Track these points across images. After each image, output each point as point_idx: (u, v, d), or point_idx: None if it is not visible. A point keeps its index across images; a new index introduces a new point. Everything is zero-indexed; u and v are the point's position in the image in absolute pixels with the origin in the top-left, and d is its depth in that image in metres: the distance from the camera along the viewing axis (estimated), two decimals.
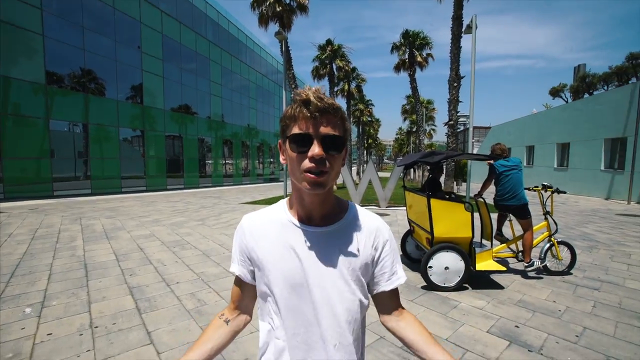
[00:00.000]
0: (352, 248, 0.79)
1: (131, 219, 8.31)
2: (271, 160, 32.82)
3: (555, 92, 38.63)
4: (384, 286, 0.84)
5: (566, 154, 17.35)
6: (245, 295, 0.90)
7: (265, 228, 0.83)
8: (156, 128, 18.33)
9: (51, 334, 2.72)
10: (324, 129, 0.71)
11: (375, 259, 0.83)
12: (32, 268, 4.39)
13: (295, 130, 0.72)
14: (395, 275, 0.85)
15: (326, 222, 0.80)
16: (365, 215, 0.85)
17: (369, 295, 0.86)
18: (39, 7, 12.62)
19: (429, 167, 4.64)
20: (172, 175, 19.40)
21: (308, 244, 0.78)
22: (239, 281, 0.89)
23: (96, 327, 2.85)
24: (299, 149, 0.71)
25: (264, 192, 18.02)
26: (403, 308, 0.89)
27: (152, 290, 3.71)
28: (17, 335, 2.68)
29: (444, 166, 14.48)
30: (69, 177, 14.35)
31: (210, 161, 23.18)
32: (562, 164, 17.82)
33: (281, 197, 13.46)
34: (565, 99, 37.25)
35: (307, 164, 0.71)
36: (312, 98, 0.69)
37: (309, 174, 0.71)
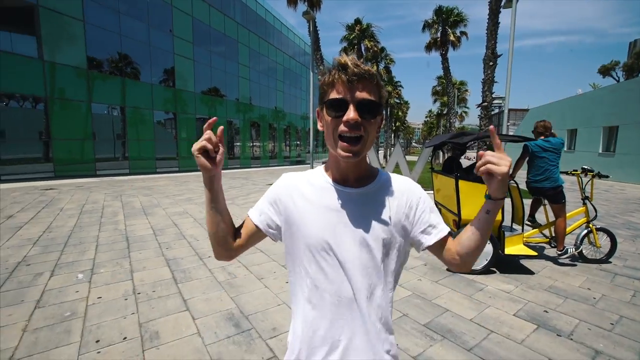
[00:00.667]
0: (386, 206, 0.83)
1: (166, 197, 8.79)
2: (298, 142, 33.00)
3: (605, 71, 35.41)
4: (427, 241, 0.85)
5: (614, 138, 16.02)
6: (247, 240, 0.90)
7: (304, 187, 0.86)
8: (187, 111, 18.92)
9: (101, 297, 3.01)
10: (360, 94, 0.72)
11: (412, 216, 0.85)
12: (81, 239, 4.82)
13: (333, 95, 0.74)
14: (435, 228, 0.85)
15: (361, 184, 0.84)
16: (397, 178, 0.88)
17: (408, 251, 0.89)
18: None
19: (452, 148, 4.50)
20: None
21: (344, 203, 0.81)
22: (250, 226, 0.89)
23: (139, 293, 3.12)
24: (336, 113, 0.74)
25: None
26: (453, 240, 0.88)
27: (187, 262, 3.96)
28: (72, 297, 3.00)
29: (475, 149, 13.89)
30: (109, 158, 15.30)
31: (238, 143, 23.72)
32: (609, 148, 16.51)
33: None
34: (617, 78, 34.04)
35: (342, 128, 0.73)
36: (349, 63, 0.72)
37: (343, 142, 0.74)
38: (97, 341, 2.33)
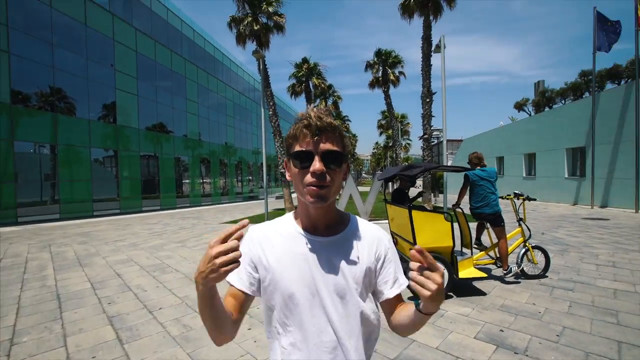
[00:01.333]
0: (355, 256, 0.84)
1: (106, 244, 7.92)
2: (250, 178, 32.48)
3: (519, 106, 41.17)
4: (388, 293, 0.87)
5: (533, 163, 18.38)
6: (241, 307, 0.84)
7: (274, 238, 0.86)
8: (130, 148, 17.78)
9: None
10: (324, 146, 0.77)
11: (378, 267, 0.87)
12: None
13: (297, 148, 0.78)
14: (397, 282, 0.89)
15: (331, 232, 0.86)
16: (366, 226, 0.91)
17: (377, 304, 0.90)
18: (4, 24, 12.16)
19: (400, 179, 4.82)
20: (147, 197, 18.73)
21: (315, 252, 0.82)
22: (235, 293, 0.84)
23: None
24: (302, 164, 0.77)
25: (244, 210, 17.75)
26: None
27: (134, 318, 3.54)
28: None
29: (421, 179, 14.91)
30: (35, 202, 13.53)
31: (187, 181, 22.64)
32: (530, 173, 18.83)
33: (262, 215, 13.28)
34: (529, 112, 39.72)
35: (309, 178, 0.76)
36: (313, 118, 0.76)
37: (311, 188, 0.76)
38: None
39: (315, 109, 0.78)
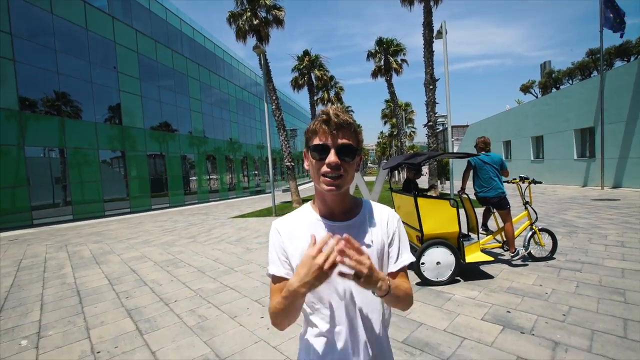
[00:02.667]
0: (370, 236, 0.93)
1: (119, 242, 8.13)
2: (256, 172, 32.67)
3: (525, 89, 40.42)
4: (392, 267, 0.94)
5: (541, 146, 18.14)
6: None
7: (296, 227, 0.94)
8: (137, 148, 18.01)
9: None
10: (339, 140, 0.85)
11: (387, 243, 0.95)
12: (21, 300, 4.26)
13: (316, 141, 0.87)
14: (401, 257, 0.96)
15: (347, 217, 0.94)
16: (378, 207, 0.99)
17: None
18: (8, 32, 12.33)
19: (407, 169, 4.89)
20: (156, 195, 19.03)
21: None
22: (280, 280, 0.91)
23: (98, 352, 2.82)
24: (319, 156, 0.86)
25: (252, 204, 17.93)
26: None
27: (151, 310, 3.68)
28: None
29: (427, 166, 14.86)
30: (48, 205, 13.86)
31: (194, 178, 22.89)
32: (538, 156, 18.60)
33: (270, 209, 13.41)
34: (535, 94, 39.00)
35: (325, 169, 0.85)
36: (331, 116, 0.84)
37: (326, 178, 0.85)
38: None
39: (333, 107, 0.86)
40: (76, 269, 5.68)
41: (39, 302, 4.13)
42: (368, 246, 0.91)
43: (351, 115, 0.89)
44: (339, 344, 0.89)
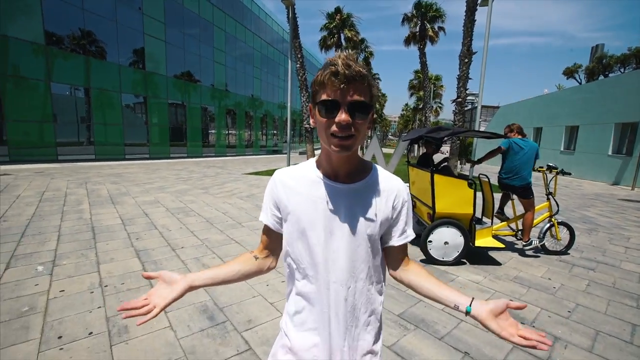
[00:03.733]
0: (372, 204, 0.87)
1: (136, 185, 8.40)
2: (274, 132, 32.54)
3: (569, 73, 37.43)
4: (395, 242, 0.92)
5: (574, 137, 17.08)
6: (272, 241, 0.98)
7: (296, 182, 0.90)
8: (159, 95, 18.05)
9: (63, 290, 2.84)
10: (351, 96, 0.74)
11: (393, 217, 0.90)
12: (41, 229, 4.50)
13: (324, 96, 0.76)
14: (405, 233, 0.93)
15: (351, 180, 0.87)
16: (387, 176, 0.91)
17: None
18: None
19: (425, 143, 4.63)
20: (175, 144, 19.35)
21: (333, 197, 0.85)
22: (267, 229, 0.97)
23: (106, 286, 2.97)
24: (327, 114, 0.76)
25: (267, 163, 18.05)
26: (409, 259, 0.98)
27: (158, 253, 3.82)
28: (31, 291, 2.80)
29: (449, 144, 14.33)
30: (72, 142, 14.35)
31: (213, 131, 23.01)
32: (569, 147, 17.59)
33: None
34: (579, 81, 36.16)
35: (334, 128, 0.76)
36: (340, 66, 0.72)
37: (335, 138, 0.77)
38: (60, 337, 2.20)
39: (343, 55, 0.75)
40: (93, 206, 5.92)
41: (56, 233, 4.35)
42: (371, 211, 0.86)
43: (364, 65, 0.76)
44: (320, 307, 0.87)
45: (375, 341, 0.92)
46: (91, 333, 2.26)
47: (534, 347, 0.71)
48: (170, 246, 4.08)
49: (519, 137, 4.28)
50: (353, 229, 0.84)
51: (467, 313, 0.80)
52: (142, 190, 7.73)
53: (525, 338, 0.73)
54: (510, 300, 0.78)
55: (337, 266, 0.84)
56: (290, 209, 0.88)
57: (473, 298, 0.82)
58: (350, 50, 0.77)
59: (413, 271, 0.95)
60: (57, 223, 4.80)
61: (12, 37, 11.74)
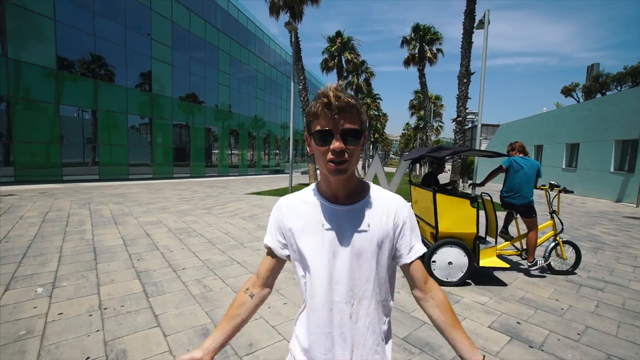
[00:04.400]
0: (371, 223, 0.89)
1: (138, 206, 8.42)
2: (277, 152, 32.85)
3: (567, 91, 37.93)
4: (405, 259, 0.93)
5: (575, 154, 17.11)
6: (272, 267, 0.99)
7: (299, 207, 0.94)
8: (164, 116, 18.43)
9: (62, 313, 2.80)
10: (342, 125, 0.80)
11: (395, 234, 0.92)
12: (42, 250, 4.50)
13: (318, 127, 0.82)
14: (414, 248, 0.93)
15: (351, 201, 0.90)
16: (386, 195, 0.94)
17: (393, 265, 0.96)
18: None
19: (429, 162, 4.64)
20: (178, 164, 19.56)
21: (333, 219, 0.89)
22: (270, 253, 0.99)
23: (105, 308, 2.93)
24: (322, 142, 0.82)
25: (269, 183, 18.11)
26: (431, 281, 0.94)
27: (159, 275, 3.78)
28: (29, 314, 2.77)
29: (450, 162, 14.36)
30: (77, 163, 14.55)
31: (216, 151, 23.29)
32: (571, 164, 17.59)
33: (286, 189, 13.49)
34: (577, 99, 36.58)
35: (330, 155, 0.81)
36: (332, 99, 0.78)
37: (331, 164, 0.81)
38: None
39: (333, 88, 0.80)
40: (95, 227, 5.92)
41: (57, 254, 4.34)
42: (371, 230, 0.88)
43: (352, 95, 0.83)
44: (327, 325, 0.88)
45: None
46: (88, 358, 2.21)
47: None
48: (172, 267, 4.05)
49: (521, 155, 4.30)
50: (355, 249, 0.86)
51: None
52: (144, 211, 7.75)
53: None
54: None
55: (341, 286, 0.86)
56: (295, 234, 0.91)
57: (484, 357, 0.81)
58: (339, 82, 0.83)
59: (433, 303, 0.91)
60: (59, 244, 4.80)
61: (25, 62, 12.16)
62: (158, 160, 18.22)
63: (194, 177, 20.22)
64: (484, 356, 0.82)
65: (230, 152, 24.89)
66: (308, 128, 0.87)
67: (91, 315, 2.80)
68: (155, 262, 4.22)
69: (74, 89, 13.94)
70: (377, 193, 0.93)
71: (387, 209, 0.91)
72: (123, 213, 7.34)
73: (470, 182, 4.73)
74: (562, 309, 3.26)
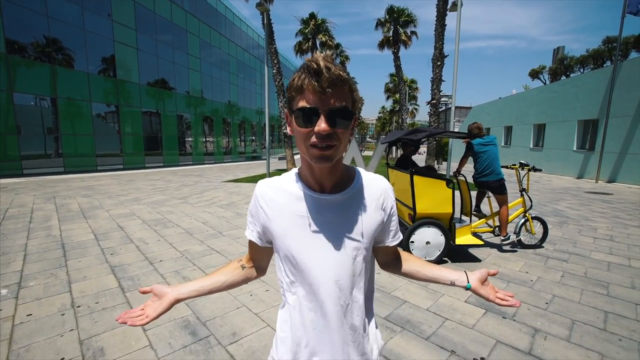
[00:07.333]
0: (363, 211, 0.82)
1: (109, 198, 8.05)
2: (253, 138, 32.21)
3: (534, 74, 39.38)
4: (389, 242, 0.93)
5: (542, 134, 17.95)
6: (259, 254, 0.96)
7: (278, 197, 0.83)
8: (132, 103, 17.46)
9: (31, 314, 2.66)
10: (332, 102, 0.68)
11: (385, 220, 0.88)
12: (4, 249, 4.21)
13: (302, 103, 0.69)
14: (398, 234, 0.94)
15: (337, 190, 0.81)
16: (372, 178, 0.88)
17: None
18: None
19: (402, 145, 4.71)
20: (150, 153, 18.74)
21: (321, 211, 0.80)
22: (252, 244, 0.93)
23: (78, 306, 2.80)
24: (306, 123, 0.69)
25: (246, 170, 17.81)
26: (399, 249, 1.00)
27: (135, 269, 3.66)
28: None
29: (426, 145, 14.65)
30: (39, 155, 13.60)
31: (190, 139, 22.49)
32: (538, 144, 18.46)
33: (264, 175, 13.32)
34: (544, 81, 38.09)
35: (313, 138, 0.69)
36: (321, 65, 0.65)
37: (314, 149, 0.70)
38: None
39: (322, 57, 0.67)
40: (63, 222, 5.61)
41: (22, 253, 4.08)
42: (363, 219, 0.82)
43: (344, 68, 0.70)
44: (314, 321, 0.82)
45: (366, 352, 0.88)
46: (63, 359, 2.12)
47: (511, 306, 0.86)
48: (148, 260, 3.92)
49: (479, 136, 4.47)
50: (345, 242, 0.79)
51: (467, 289, 0.89)
52: (116, 203, 7.42)
53: (502, 299, 0.88)
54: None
55: (325, 284, 0.79)
56: (275, 228, 0.82)
57: (465, 272, 0.90)
58: (328, 51, 0.74)
59: (406, 260, 0.99)
60: (23, 242, 4.51)
61: None
62: (128, 149, 17.37)
63: (167, 167, 19.50)
64: (465, 272, 0.91)
65: (204, 139, 24.11)
66: (289, 105, 0.74)
67: (63, 314, 2.67)
68: (130, 255, 4.07)
69: (28, 75, 12.85)
70: (365, 178, 0.86)
71: (376, 194, 0.85)
72: (93, 206, 6.99)
73: (453, 172, 4.91)
74: (532, 280, 3.46)
